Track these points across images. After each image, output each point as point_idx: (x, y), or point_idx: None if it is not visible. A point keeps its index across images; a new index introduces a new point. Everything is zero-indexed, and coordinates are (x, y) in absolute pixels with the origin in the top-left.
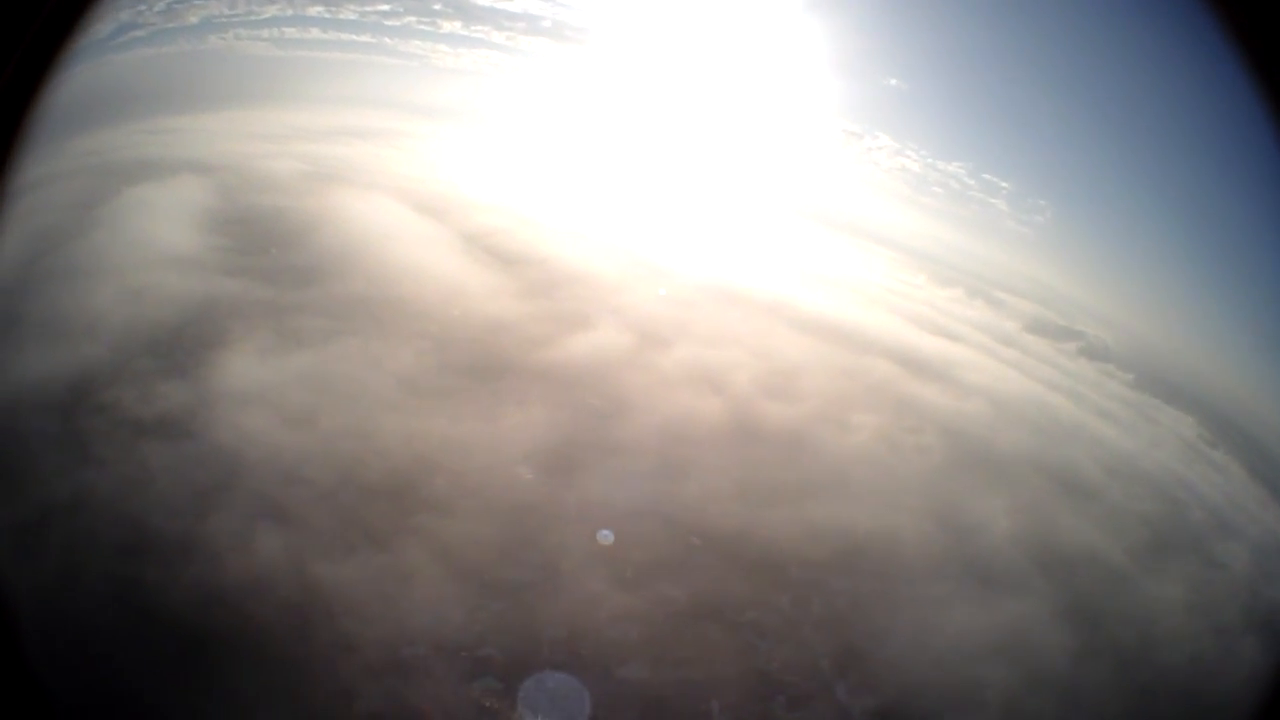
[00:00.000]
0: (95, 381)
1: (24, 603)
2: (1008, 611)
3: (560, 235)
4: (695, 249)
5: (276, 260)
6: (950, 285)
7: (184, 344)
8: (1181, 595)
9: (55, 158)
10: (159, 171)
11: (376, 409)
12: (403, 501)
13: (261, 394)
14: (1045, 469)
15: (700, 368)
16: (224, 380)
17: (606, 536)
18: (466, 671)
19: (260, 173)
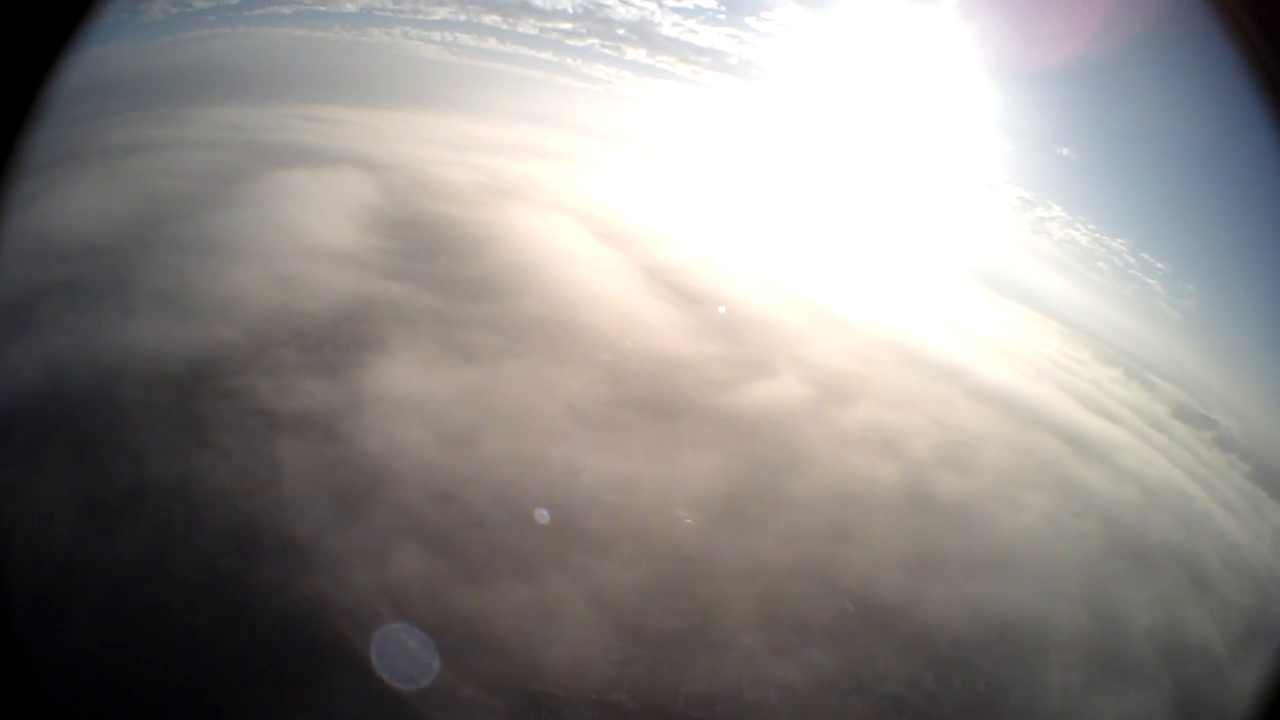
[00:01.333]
0: (225, 365)
1: (98, 585)
2: (1135, 702)
3: (740, 276)
4: (871, 300)
5: (446, 269)
6: (1111, 364)
7: (336, 341)
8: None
9: (185, 123)
10: (314, 160)
11: (542, 436)
12: (557, 535)
13: (419, 405)
14: (1181, 560)
15: (877, 429)
16: (378, 385)
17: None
18: (591, 715)
19: (431, 178)
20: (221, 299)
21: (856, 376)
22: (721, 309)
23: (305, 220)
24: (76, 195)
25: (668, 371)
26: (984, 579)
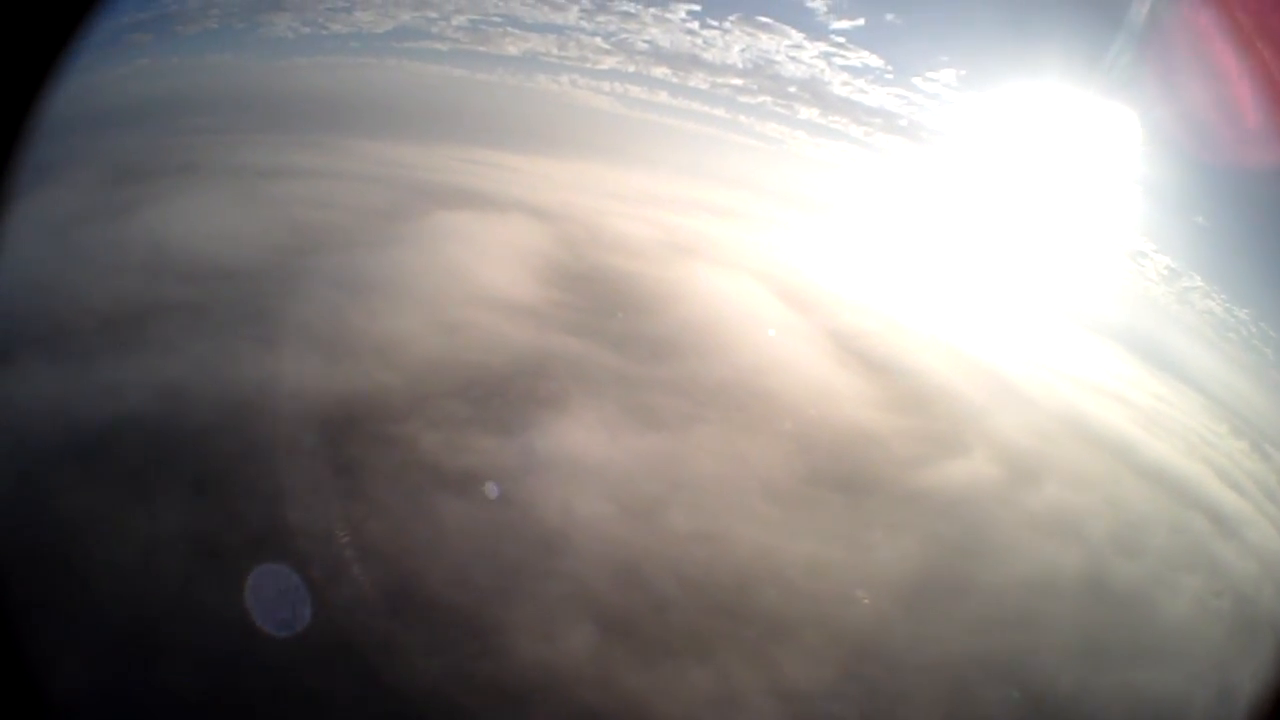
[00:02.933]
0: (382, 411)
1: (205, 634)
2: None
3: (920, 342)
4: (1042, 368)
5: (626, 326)
6: (1241, 437)
7: (508, 397)
8: None
9: (333, 152)
10: (482, 204)
11: (728, 511)
12: (740, 617)
13: (599, 472)
14: None
15: (1059, 510)
16: (555, 447)
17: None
18: None
19: (607, 230)
20: (380, 341)
21: (1038, 453)
22: (902, 376)
23: (474, 265)
24: (203, 213)
25: (856, 445)
26: (1145, 668)
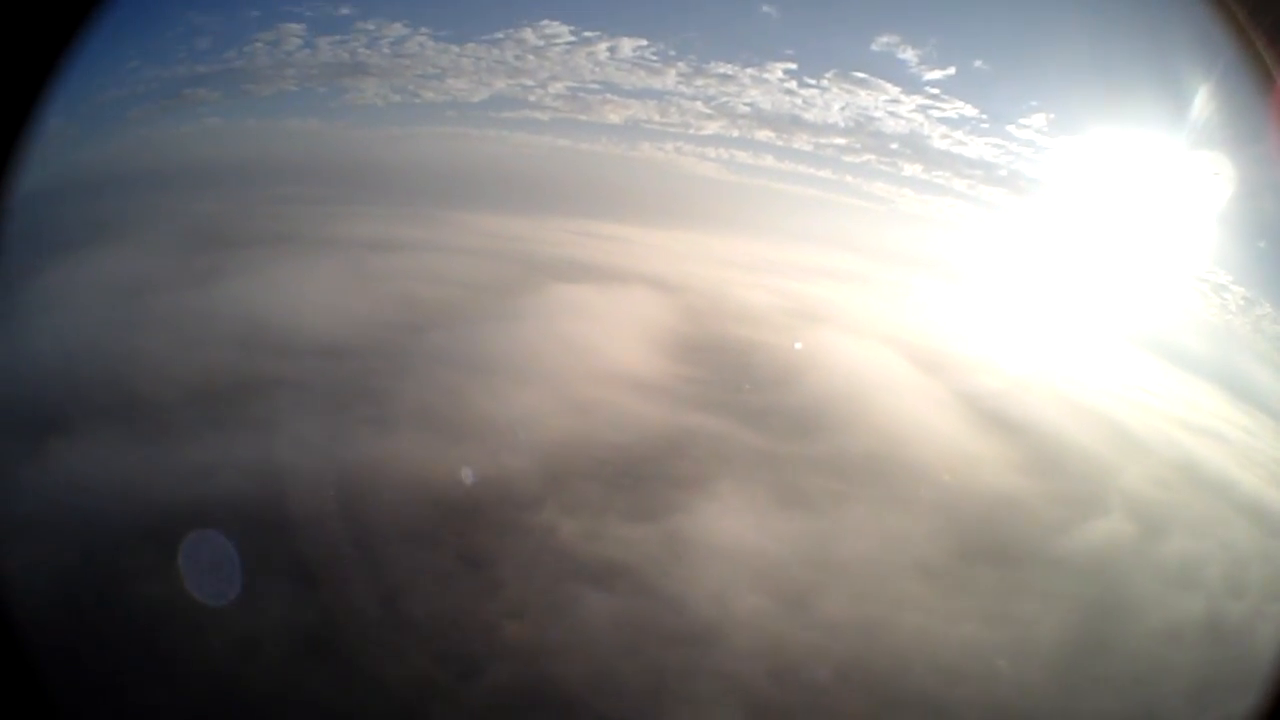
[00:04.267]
0: (512, 497)
1: None
2: None
3: (1043, 395)
4: (1153, 414)
5: (762, 400)
6: None
7: (647, 480)
8: None
9: (438, 225)
10: (599, 277)
11: (885, 596)
12: (901, 705)
13: (747, 558)
14: None
15: (1184, 560)
16: (698, 533)
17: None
18: None
19: (730, 300)
20: (504, 422)
21: (1163, 504)
22: (1031, 434)
23: (597, 340)
24: (303, 285)
25: (1001, 512)
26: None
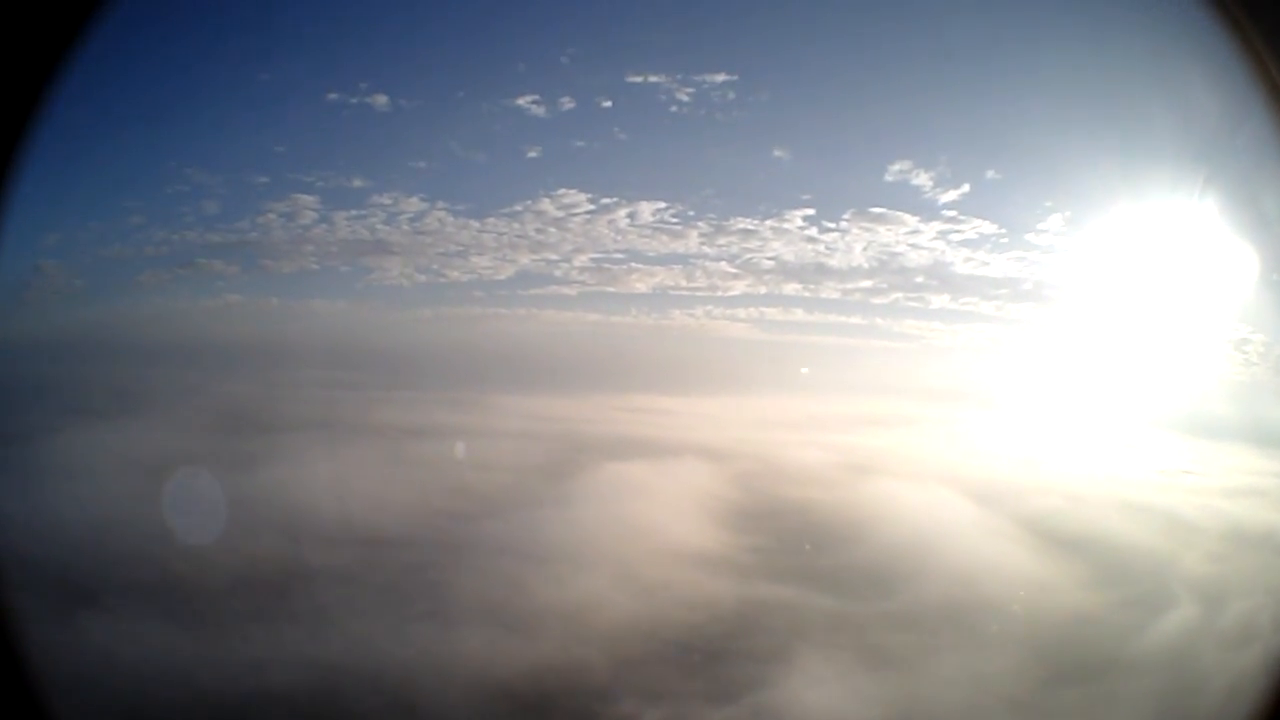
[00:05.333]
0: (586, 688)
1: None
2: None
3: (1104, 507)
4: (1192, 486)
5: (830, 561)
6: None
7: (726, 658)
8: None
9: (480, 409)
10: (649, 452)
11: None
12: None
13: None
14: None
15: (1247, 619)
16: (787, 708)
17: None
18: None
19: (783, 462)
20: (568, 609)
21: (1218, 577)
22: (1092, 546)
23: (653, 517)
24: (345, 472)
25: (1077, 630)
26: None
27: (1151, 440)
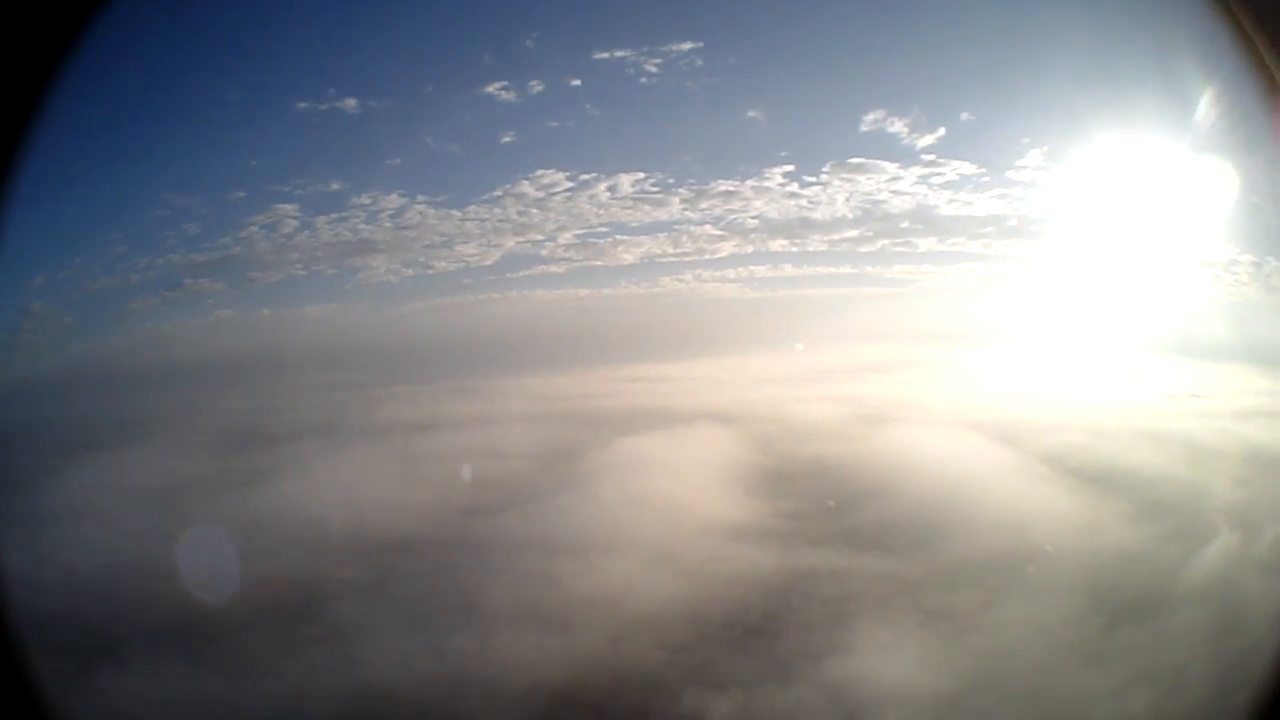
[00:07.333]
0: (641, 681)
1: None
2: None
3: (1123, 438)
4: (1210, 414)
5: (863, 519)
6: None
7: (779, 633)
8: None
9: (485, 396)
10: (661, 422)
11: (1059, 694)
12: None
13: (913, 694)
14: None
15: None
16: (859, 680)
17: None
18: None
19: (796, 419)
20: (608, 600)
21: (1250, 502)
22: (1121, 480)
23: (681, 491)
24: (357, 477)
25: (1127, 569)
26: None
27: (1153, 365)
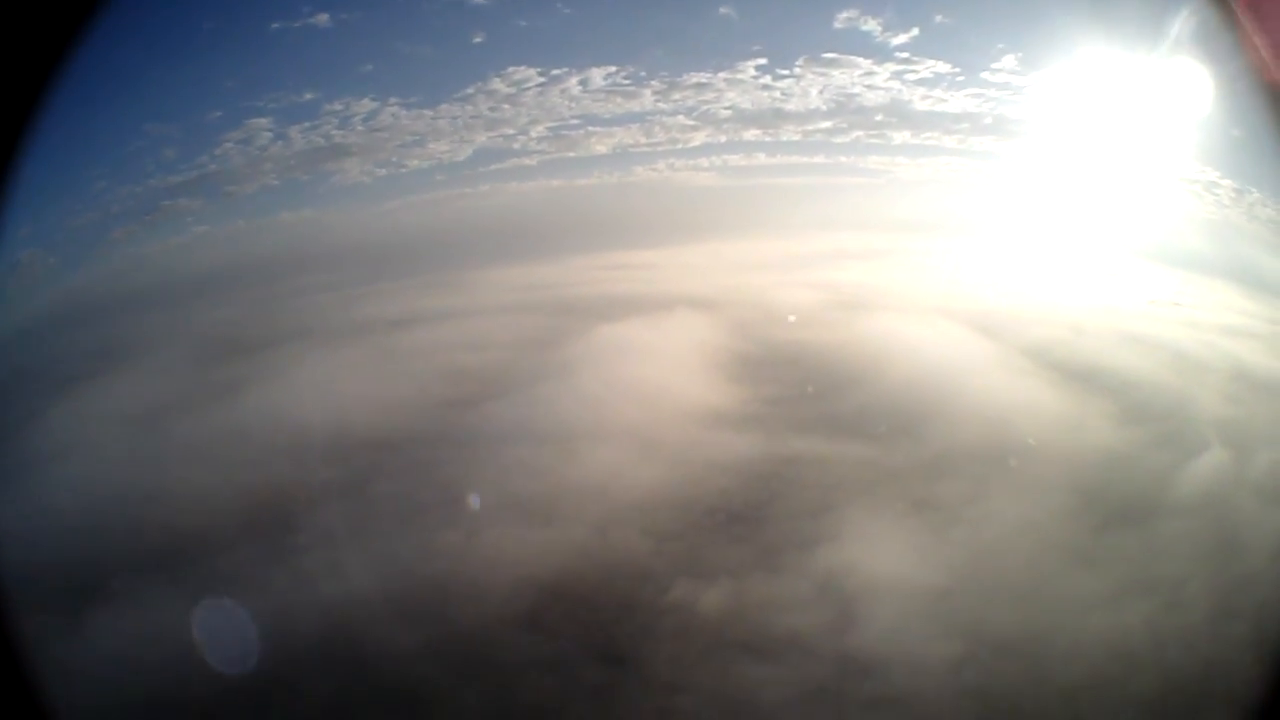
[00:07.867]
0: (628, 575)
1: None
2: None
3: (1106, 338)
4: (1192, 326)
5: (845, 406)
6: None
7: (767, 520)
8: None
9: (462, 288)
10: (639, 309)
11: (1053, 597)
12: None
13: (907, 591)
14: None
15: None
16: (846, 572)
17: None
18: None
19: (773, 305)
20: (594, 490)
21: (1240, 420)
22: (1105, 378)
23: (663, 378)
24: (337, 378)
25: (1115, 471)
26: None
27: (1133, 269)
